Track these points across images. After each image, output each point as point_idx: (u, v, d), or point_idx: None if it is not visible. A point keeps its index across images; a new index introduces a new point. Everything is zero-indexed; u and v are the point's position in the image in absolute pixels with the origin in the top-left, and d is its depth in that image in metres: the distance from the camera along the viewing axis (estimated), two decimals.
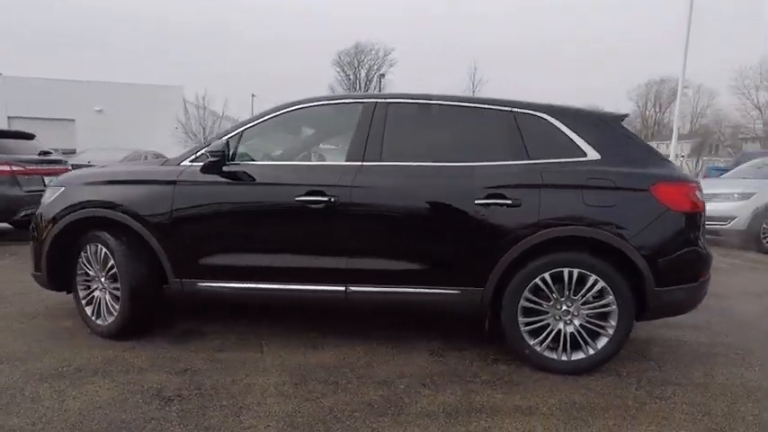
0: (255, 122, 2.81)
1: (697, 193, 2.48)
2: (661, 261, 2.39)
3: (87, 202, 2.77)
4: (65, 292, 3.07)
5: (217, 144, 2.61)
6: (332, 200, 2.55)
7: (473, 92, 37.32)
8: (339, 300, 2.62)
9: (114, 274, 2.75)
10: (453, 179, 2.54)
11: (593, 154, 2.52)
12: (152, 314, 2.93)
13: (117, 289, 2.76)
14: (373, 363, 2.60)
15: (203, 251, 2.69)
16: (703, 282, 2.51)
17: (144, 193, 2.75)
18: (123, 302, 2.72)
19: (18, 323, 3.08)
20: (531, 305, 2.50)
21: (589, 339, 2.48)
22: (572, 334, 2.49)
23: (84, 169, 3.27)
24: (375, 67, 43.24)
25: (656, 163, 2.54)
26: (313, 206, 2.57)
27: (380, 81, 28.80)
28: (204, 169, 2.68)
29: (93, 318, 2.87)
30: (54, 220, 2.82)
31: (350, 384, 2.35)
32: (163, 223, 2.68)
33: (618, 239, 2.38)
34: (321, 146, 3.28)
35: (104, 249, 2.76)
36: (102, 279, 2.82)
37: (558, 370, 2.49)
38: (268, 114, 2.81)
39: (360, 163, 2.61)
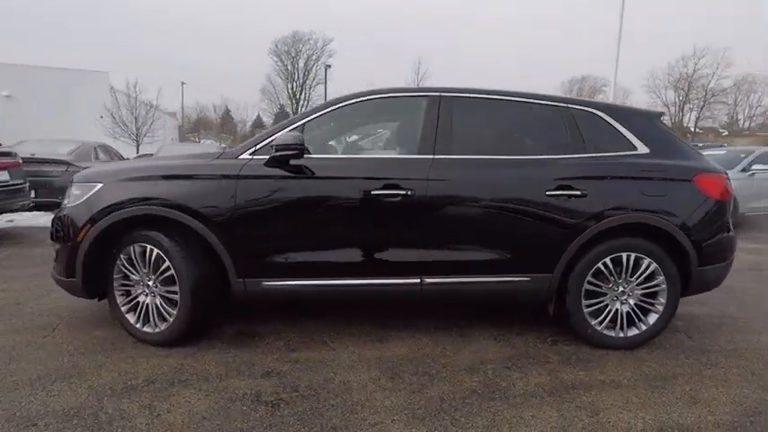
0: (317, 115, 2.72)
1: (728, 182, 2.82)
2: (703, 244, 2.70)
3: (137, 199, 2.53)
4: (95, 299, 2.80)
5: (285, 137, 2.49)
6: (408, 193, 2.56)
7: (418, 84, 37.99)
8: (414, 292, 2.64)
9: (169, 276, 2.54)
10: (525, 171, 2.66)
11: (642, 148, 2.77)
12: (211, 318, 2.75)
13: (172, 292, 2.56)
14: (447, 352, 2.67)
15: (270, 248, 2.58)
16: (730, 262, 2.87)
17: (203, 188, 2.56)
18: (183, 307, 2.53)
19: (39, 336, 2.74)
20: (593, 288, 2.70)
21: (642, 316, 2.74)
22: (627, 312, 2.74)
23: (118, 163, 2.95)
24: (314, 58, 42.40)
25: (693, 156, 2.85)
26: (390, 200, 2.56)
27: (326, 72, 28.26)
28: (270, 163, 2.56)
29: (139, 325, 2.64)
30: (93, 220, 2.54)
31: (441, 373, 2.40)
32: (225, 220, 2.53)
33: (670, 225, 2.64)
34: (366, 138, 3.24)
35: (156, 250, 2.54)
36: (151, 282, 2.60)
37: (617, 346, 2.73)
38: (330, 107, 2.74)
39: (432, 156, 2.64)
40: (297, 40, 42.31)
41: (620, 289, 2.72)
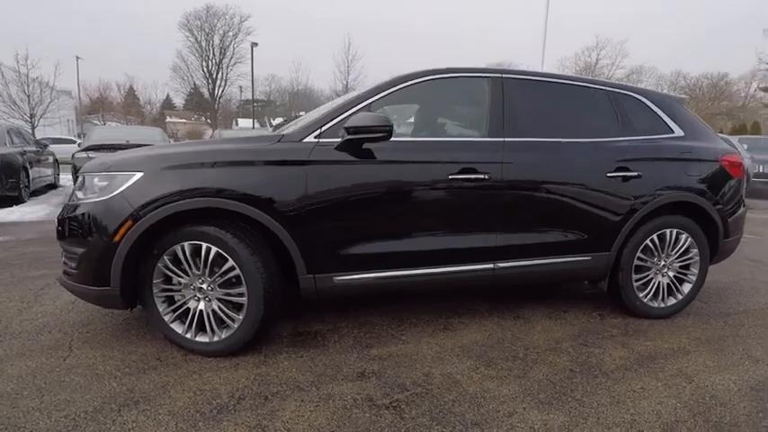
0: (382, 95, 2.51)
1: (743, 162, 3.14)
2: (728, 218, 3.00)
3: (191, 190, 2.16)
4: (126, 309, 2.38)
5: (364, 119, 2.27)
6: (485, 177, 2.50)
7: (348, 66, 37.31)
8: (487, 278, 2.61)
9: (232, 277, 2.23)
10: (588, 154, 2.72)
11: (678, 131, 2.98)
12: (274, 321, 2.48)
13: (235, 295, 2.25)
14: (518, 335, 2.68)
15: (343, 240, 2.37)
16: (742, 233, 3.22)
17: (268, 176, 2.27)
18: (252, 310, 2.24)
19: (58, 359, 2.26)
20: (640, 263, 2.88)
21: (679, 286, 2.98)
22: (667, 284, 2.96)
23: (152, 149, 2.47)
24: (231, 35, 39.68)
25: (714, 138, 3.12)
26: (467, 184, 2.48)
27: (252, 50, 26.43)
28: (343, 146, 2.33)
29: (190, 335, 2.30)
30: (135, 216, 2.13)
31: (530, 356, 2.41)
32: (294, 211, 2.27)
33: (705, 202, 2.89)
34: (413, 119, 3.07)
35: (215, 248, 2.21)
36: (205, 285, 2.27)
37: (657, 315, 2.95)
38: (393, 86, 2.54)
39: (502, 139, 2.59)
40: (211, 14, 39.38)
41: (662, 263, 2.93)
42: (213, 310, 2.29)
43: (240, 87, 43.13)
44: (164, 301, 2.32)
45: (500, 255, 2.60)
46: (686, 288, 2.99)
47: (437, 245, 2.51)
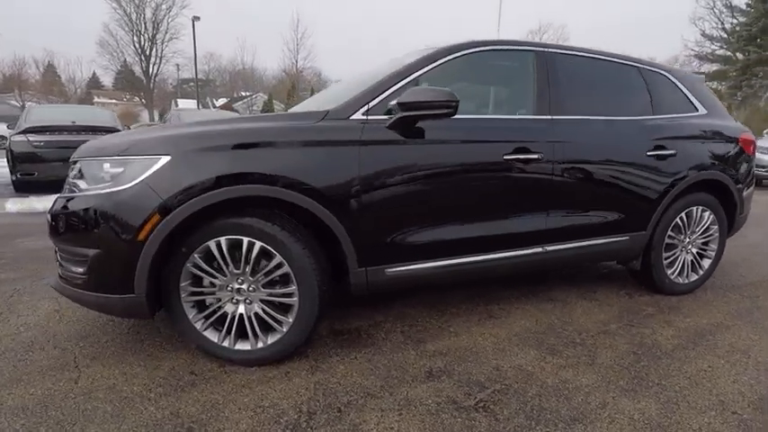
0: (428, 68, 2.27)
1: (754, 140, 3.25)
2: (743, 194, 3.09)
3: (230, 177, 1.84)
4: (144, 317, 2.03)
5: (425, 94, 2.02)
6: (538, 156, 2.36)
7: (297, 44, 35.74)
8: (538, 262, 2.50)
9: (280, 275, 1.95)
10: (629, 132, 2.66)
11: (701, 109, 3.01)
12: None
13: (282, 295, 1.98)
14: (563, 318, 2.62)
15: (397, 228, 2.15)
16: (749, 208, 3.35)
17: (317, 159, 1.98)
18: (305, 311, 1.98)
19: (67, 381, 1.88)
20: (669, 241, 2.91)
21: (701, 262, 3.06)
22: (690, 261, 3.02)
23: (176, 127, 2.05)
24: (164, 8, 36.63)
25: (730, 117, 3.19)
26: (521, 165, 2.33)
27: (194, 24, 24.35)
28: (395, 124, 2.09)
29: (227, 343, 2.01)
30: (165, 208, 1.78)
31: (587, 341, 2.34)
32: (347, 198, 2.02)
33: (729, 180, 2.95)
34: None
35: (259, 243, 1.91)
36: (245, 285, 1.97)
37: (681, 291, 3.01)
38: (437, 59, 2.30)
39: (550, 117, 2.47)
40: None
41: (687, 240, 2.98)
42: (256, 314, 2.00)
43: (177, 65, 40.21)
44: (193, 307, 1.99)
45: (549, 238, 2.50)
46: (706, 264, 3.07)
47: (493, 230, 2.36)
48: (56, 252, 2.11)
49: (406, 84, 2.19)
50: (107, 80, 46.10)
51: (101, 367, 2.01)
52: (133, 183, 1.81)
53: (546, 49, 2.57)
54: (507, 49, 2.51)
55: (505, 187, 2.36)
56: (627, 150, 2.64)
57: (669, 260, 2.93)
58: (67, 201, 1.92)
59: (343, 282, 2.17)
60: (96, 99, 45.78)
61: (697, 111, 2.99)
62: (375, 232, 2.11)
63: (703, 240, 3.04)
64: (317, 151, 2.00)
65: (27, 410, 1.70)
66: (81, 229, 1.86)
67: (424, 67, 2.27)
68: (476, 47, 2.41)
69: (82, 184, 1.92)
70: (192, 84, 46.19)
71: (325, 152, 2.01)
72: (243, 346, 2.01)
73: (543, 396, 1.86)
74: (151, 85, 40.90)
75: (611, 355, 2.20)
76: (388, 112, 2.14)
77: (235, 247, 1.93)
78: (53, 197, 2.15)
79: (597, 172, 2.57)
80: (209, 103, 38.38)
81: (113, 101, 45.85)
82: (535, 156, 2.35)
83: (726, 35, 26.80)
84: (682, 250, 2.98)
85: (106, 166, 1.87)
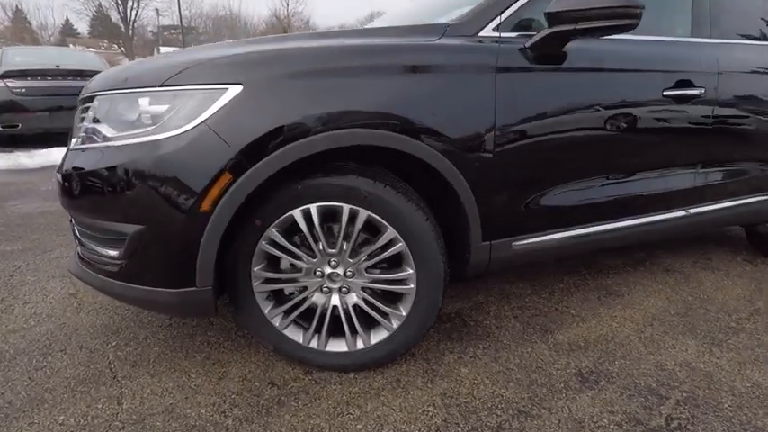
0: None
1: None
2: None
3: (341, 115, 1.27)
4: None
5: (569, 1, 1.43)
6: (700, 93, 1.81)
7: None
8: (682, 227, 2.00)
9: (391, 256, 1.43)
10: None
11: None
12: None
13: (393, 282, 1.46)
14: (697, 295, 2.15)
15: (535, 189, 1.62)
16: None
17: (438, 92, 1.40)
18: (424, 301, 1.47)
19: (109, 401, 1.39)
20: None
21: None
22: None
23: (258, 42, 1.42)
24: None
25: None
26: (679, 103, 1.78)
27: None
28: (540, 44, 1.50)
29: (316, 344, 1.51)
30: (239, 165, 1.22)
31: (745, 326, 1.87)
32: (478, 147, 1.46)
33: None
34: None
35: (365, 212, 1.37)
36: (342, 270, 1.45)
37: None
38: None
39: (711, 40, 1.88)
40: None
41: None
42: (355, 306, 1.49)
43: (157, 10, 37.47)
44: (268, 298, 1.48)
45: (696, 198, 1.99)
46: None
47: (643, 189, 1.83)
48: (71, 224, 1.56)
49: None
50: (82, 27, 43.01)
51: (148, 378, 1.51)
52: (188, 126, 1.22)
53: None
54: None
55: (661, 134, 1.81)
56: None
57: None
58: (86, 156, 1.34)
59: (457, 261, 1.65)
60: (72, 47, 42.89)
61: None
62: (509, 194, 1.57)
63: None
64: (439, 81, 1.41)
65: None
66: (110, 197, 1.30)
67: None
68: None
69: (105, 129, 1.33)
70: (173, 31, 43.43)
71: (450, 83, 1.42)
72: (337, 347, 1.52)
73: (746, 408, 1.41)
74: (130, 32, 38.24)
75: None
76: (519, 28, 1.54)
77: (328, 217, 1.39)
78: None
79: (756, 114, 2.02)
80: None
81: (90, 49, 42.98)
82: (696, 91, 1.79)
83: None
84: None
85: (143, 102, 1.27)
